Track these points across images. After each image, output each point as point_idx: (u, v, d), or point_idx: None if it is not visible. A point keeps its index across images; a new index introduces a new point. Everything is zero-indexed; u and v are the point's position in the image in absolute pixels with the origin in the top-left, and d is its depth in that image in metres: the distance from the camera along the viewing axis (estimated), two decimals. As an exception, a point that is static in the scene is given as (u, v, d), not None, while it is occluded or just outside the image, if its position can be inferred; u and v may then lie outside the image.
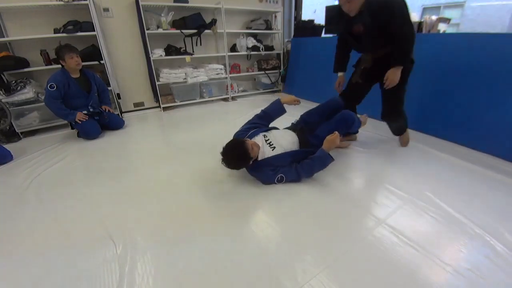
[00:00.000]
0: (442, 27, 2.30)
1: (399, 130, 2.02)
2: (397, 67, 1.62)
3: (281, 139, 1.69)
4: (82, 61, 2.43)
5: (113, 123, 2.76)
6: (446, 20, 2.35)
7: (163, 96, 3.53)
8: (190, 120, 3.09)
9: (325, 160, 1.56)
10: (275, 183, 1.58)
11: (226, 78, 3.83)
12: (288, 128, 1.87)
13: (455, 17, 8.63)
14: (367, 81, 1.86)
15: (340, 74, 1.99)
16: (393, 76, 1.63)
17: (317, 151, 1.59)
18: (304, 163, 1.58)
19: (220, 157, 1.54)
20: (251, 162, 1.56)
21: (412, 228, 1.22)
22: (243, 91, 4.19)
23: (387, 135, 2.32)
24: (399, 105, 1.83)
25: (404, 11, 1.50)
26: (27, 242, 1.24)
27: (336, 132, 1.54)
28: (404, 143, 2.05)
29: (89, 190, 1.66)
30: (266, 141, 1.66)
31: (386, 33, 1.55)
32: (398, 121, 1.93)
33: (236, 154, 1.49)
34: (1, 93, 2.49)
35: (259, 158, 1.61)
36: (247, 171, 1.69)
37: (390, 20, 1.51)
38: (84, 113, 2.47)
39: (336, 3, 1.69)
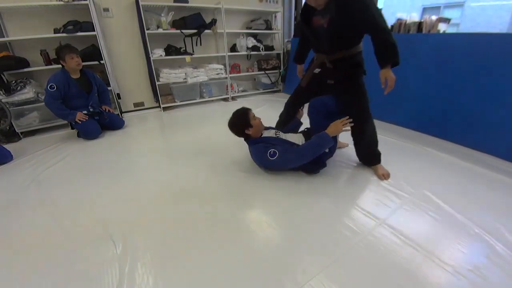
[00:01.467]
0: (442, 27, 2.29)
1: (370, 155, 1.72)
2: (389, 67, 1.35)
3: (289, 138, 1.78)
4: (82, 61, 2.43)
5: (113, 123, 2.76)
6: (446, 20, 2.34)
7: (163, 96, 3.53)
8: (190, 120, 3.09)
9: (324, 138, 1.53)
10: (269, 159, 1.59)
11: (226, 78, 3.83)
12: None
13: (455, 17, 8.63)
14: (319, 85, 1.68)
15: (299, 65, 1.98)
16: (390, 75, 1.36)
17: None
18: (305, 143, 1.62)
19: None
20: (250, 131, 1.69)
21: (412, 228, 1.22)
22: (243, 91, 4.19)
23: (386, 136, 2.32)
24: (366, 110, 1.62)
25: (376, 4, 1.36)
26: (27, 242, 1.24)
27: (346, 118, 1.54)
28: (382, 176, 1.65)
29: (89, 190, 1.65)
30: (276, 133, 1.79)
31: (351, 32, 1.42)
32: (367, 131, 1.65)
33: (238, 115, 1.71)
34: (1, 93, 2.49)
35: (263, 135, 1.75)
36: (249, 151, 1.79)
37: (364, 13, 1.30)
38: (84, 113, 2.46)
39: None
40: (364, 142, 1.71)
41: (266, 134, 1.78)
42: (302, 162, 1.59)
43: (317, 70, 1.66)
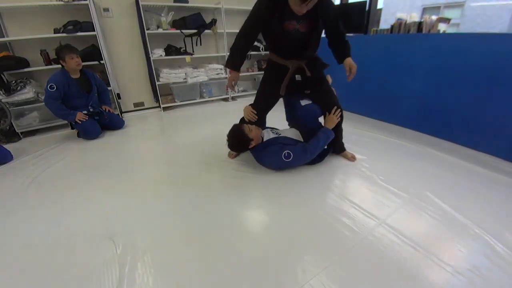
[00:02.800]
0: (442, 27, 2.29)
1: (341, 143, 1.91)
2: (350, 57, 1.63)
3: (287, 133, 1.84)
4: (82, 61, 2.42)
5: (113, 123, 2.76)
6: (446, 20, 2.34)
7: (163, 96, 3.53)
8: (190, 120, 3.09)
9: (328, 134, 1.70)
10: (284, 161, 1.62)
11: (226, 78, 3.83)
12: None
13: (455, 17, 8.64)
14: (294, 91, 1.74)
15: (236, 72, 1.69)
16: (354, 63, 1.59)
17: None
18: (310, 140, 1.69)
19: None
20: (252, 144, 1.68)
21: (412, 228, 1.22)
22: (243, 91, 4.19)
23: (386, 136, 2.32)
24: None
25: None
26: (27, 242, 1.24)
27: (334, 109, 1.70)
28: (352, 158, 1.88)
29: (89, 190, 1.66)
30: (272, 131, 1.82)
31: (319, 35, 1.57)
32: (342, 120, 1.80)
33: (235, 136, 1.69)
34: (1, 93, 2.49)
35: (265, 139, 1.75)
36: (254, 158, 1.79)
37: (337, 17, 1.51)
38: (84, 113, 2.46)
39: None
40: (340, 132, 1.86)
41: (266, 136, 1.78)
42: (313, 157, 1.68)
43: (298, 77, 1.67)
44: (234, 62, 1.64)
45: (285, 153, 1.60)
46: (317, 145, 1.67)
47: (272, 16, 1.43)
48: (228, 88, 1.77)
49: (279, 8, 1.39)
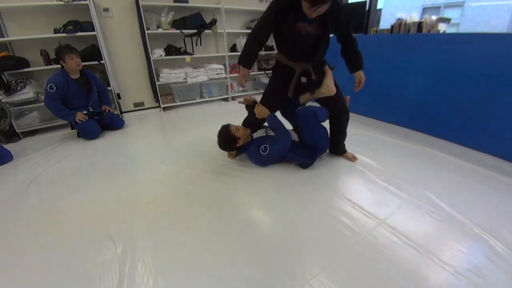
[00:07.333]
0: (442, 27, 2.29)
1: (343, 144, 1.90)
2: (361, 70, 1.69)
3: None
4: (82, 61, 2.42)
5: (113, 123, 2.76)
6: (446, 20, 2.34)
7: (163, 96, 3.53)
8: (190, 120, 3.09)
9: (269, 120, 1.77)
10: (262, 154, 1.71)
11: (226, 78, 3.83)
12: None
13: (455, 17, 8.65)
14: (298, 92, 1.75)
15: (247, 69, 1.67)
16: (363, 77, 1.70)
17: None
18: (278, 131, 1.75)
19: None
20: (240, 143, 1.80)
21: (412, 228, 1.22)
22: (243, 91, 4.19)
23: (386, 136, 2.32)
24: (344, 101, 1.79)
25: None
26: (27, 242, 1.24)
27: (256, 104, 1.80)
28: (353, 158, 1.89)
29: (89, 190, 1.66)
30: (266, 131, 1.88)
31: (329, 39, 1.56)
32: (346, 122, 1.81)
33: (222, 136, 1.80)
34: (1, 93, 2.49)
35: (254, 137, 1.85)
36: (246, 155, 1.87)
37: (349, 24, 1.53)
38: (84, 113, 2.46)
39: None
40: (344, 136, 1.85)
41: (256, 135, 1.86)
42: (287, 144, 1.68)
43: (304, 79, 1.68)
44: (246, 59, 1.66)
45: (262, 147, 1.71)
46: (279, 132, 1.70)
47: (285, 16, 1.44)
48: (238, 85, 1.81)
49: (293, 8, 1.41)
